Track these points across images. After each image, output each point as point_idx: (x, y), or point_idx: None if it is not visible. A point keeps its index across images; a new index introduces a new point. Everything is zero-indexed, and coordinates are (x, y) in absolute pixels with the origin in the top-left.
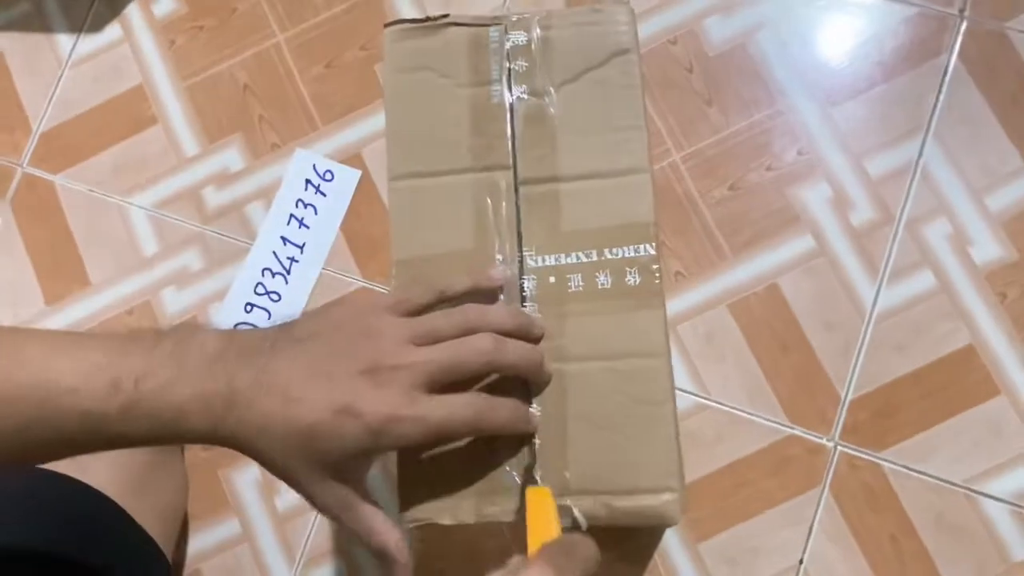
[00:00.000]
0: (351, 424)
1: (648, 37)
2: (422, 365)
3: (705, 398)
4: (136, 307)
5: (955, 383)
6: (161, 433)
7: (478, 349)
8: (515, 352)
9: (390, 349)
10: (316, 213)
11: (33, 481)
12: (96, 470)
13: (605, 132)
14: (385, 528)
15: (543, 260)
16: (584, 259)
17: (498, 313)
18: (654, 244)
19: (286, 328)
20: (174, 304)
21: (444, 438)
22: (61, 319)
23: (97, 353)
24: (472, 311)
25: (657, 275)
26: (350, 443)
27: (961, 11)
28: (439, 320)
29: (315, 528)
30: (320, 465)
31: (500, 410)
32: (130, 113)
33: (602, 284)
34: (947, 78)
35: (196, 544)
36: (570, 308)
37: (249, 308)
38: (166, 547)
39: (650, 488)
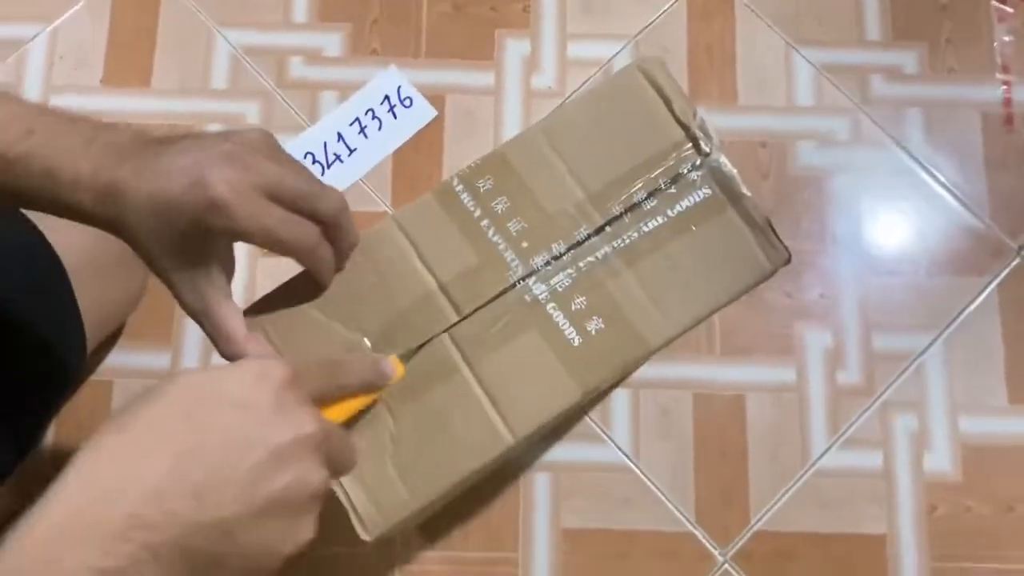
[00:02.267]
0: (199, 192)
1: (743, 129)
2: (276, 176)
3: (632, 462)
4: (180, 126)
5: (855, 562)
6: (53, 197)
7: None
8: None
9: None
10: (379, 128)
11: None
12: (64, 233)
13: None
14: (241, 335)
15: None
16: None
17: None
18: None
19: (192, 136)
20: None
21: (270, 245)
22: (107, 102)
23: (23, 108)
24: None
25: None
26: (191, 210)
27: (1020, 248)
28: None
29: None
30: (176, 243)
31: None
32: None
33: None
34: (979, 299)
35: (120, 358)
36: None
37: None
38: (91, 339)
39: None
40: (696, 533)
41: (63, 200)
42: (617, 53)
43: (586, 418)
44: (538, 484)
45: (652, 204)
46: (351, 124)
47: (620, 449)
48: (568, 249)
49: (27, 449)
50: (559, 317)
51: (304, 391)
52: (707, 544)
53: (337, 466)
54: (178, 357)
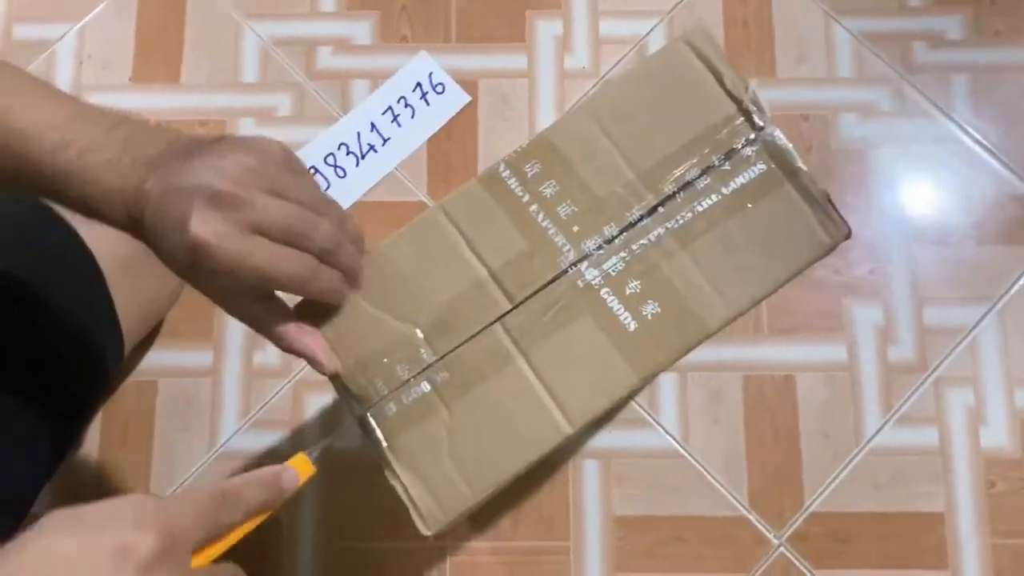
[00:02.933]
0: (183, 236)
1: (786, 103)
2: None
3: (683, 447)
4: (211, 122)
5: (913, 541)
6: (87, 206)
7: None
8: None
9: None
10: (413, 116)
11: (26, 214)
12: (99, 231)
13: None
14: (291, 332)
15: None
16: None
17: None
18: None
19: (212, 142)
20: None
21: (262, 283)
22: (137, 100)
23: (60, 111)
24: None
25: None
26: (181, 249)
27: None
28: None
29: (278, 397)
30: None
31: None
32: None
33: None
34: None
35: (162, 357)
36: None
37: (313, 171)
38: (129, 337)
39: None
40: (750, 517)
41: (94, 210)
42: (651, 30)
43: (633, 403)
44: (588, 471)
45: (705, 182)
46: (384, 113)
47: (669, 434)
48: (620, 232)
49: (65, 451)
50: (613, 302)
51: (177, 555)
52: (761, 528)
53: None
54: (221, 354)
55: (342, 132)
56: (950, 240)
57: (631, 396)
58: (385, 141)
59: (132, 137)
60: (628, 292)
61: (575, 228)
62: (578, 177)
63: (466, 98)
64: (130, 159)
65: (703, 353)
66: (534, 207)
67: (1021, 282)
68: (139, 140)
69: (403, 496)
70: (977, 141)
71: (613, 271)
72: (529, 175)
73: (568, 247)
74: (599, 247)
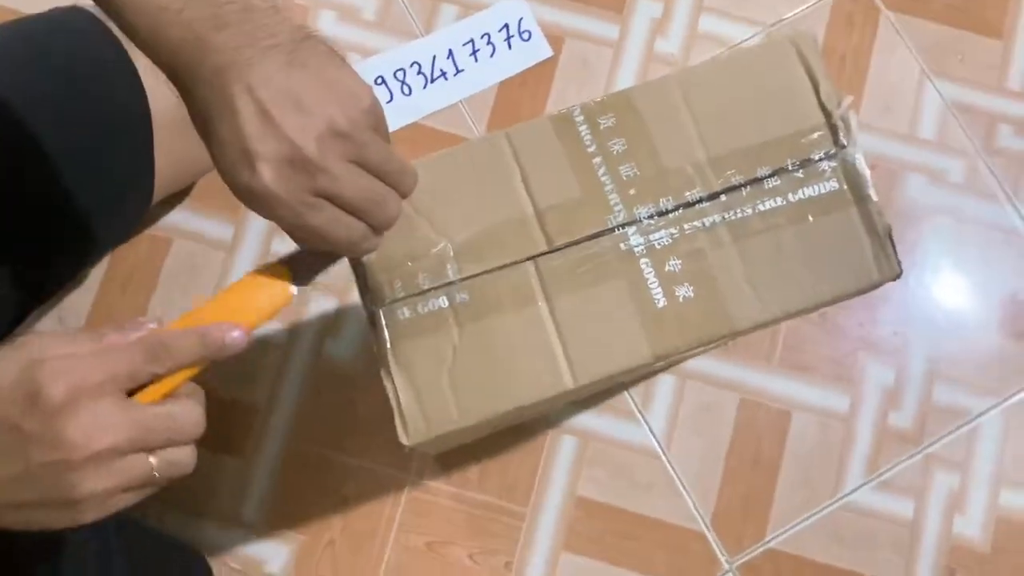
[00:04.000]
0: (245, 172)
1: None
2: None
3: (663, 450)
4: (294, 7)
5: None
6: (139, 37)
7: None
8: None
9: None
10: (492, 55)
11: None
12: (157, 79)
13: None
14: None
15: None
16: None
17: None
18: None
19: (304, 42)
20: (323, 28)
21: (309, 242)
22: None
23: None
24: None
25: None
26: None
27: None
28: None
29: None
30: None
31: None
32: None
33: None
34: None
35: (183, 217)
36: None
37: (379, 81)
38: (159, 188)
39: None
40: (708, 536)
41: (143, 39)
42: (749, 38)
43: (626, 394)
44: (564, 446)
45: (774, 183)
46: (464, 44)
47: (653, 433)
48: (676, 207)
49: (68, 276)
50: (650, 274)
51: (96, 395)
52: (716, 549)
53: (167, 454)
54: (241, 232)
55: (419, 51)
56: (981, 326)
57: (632, 381)
58: (458, 72)
59: (245, 11)
60: (667, 269)
61: (632, 191)
62: (649, 142)
63: (549, 52)
64: (233, 27)
65: (707, 364)
66: (597, 159)
67: None
68: (250, 14)
69: (392, 399)
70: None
71: (659, 244)
72: (602, 127)
73: (620, 207)
74: (651, 216)
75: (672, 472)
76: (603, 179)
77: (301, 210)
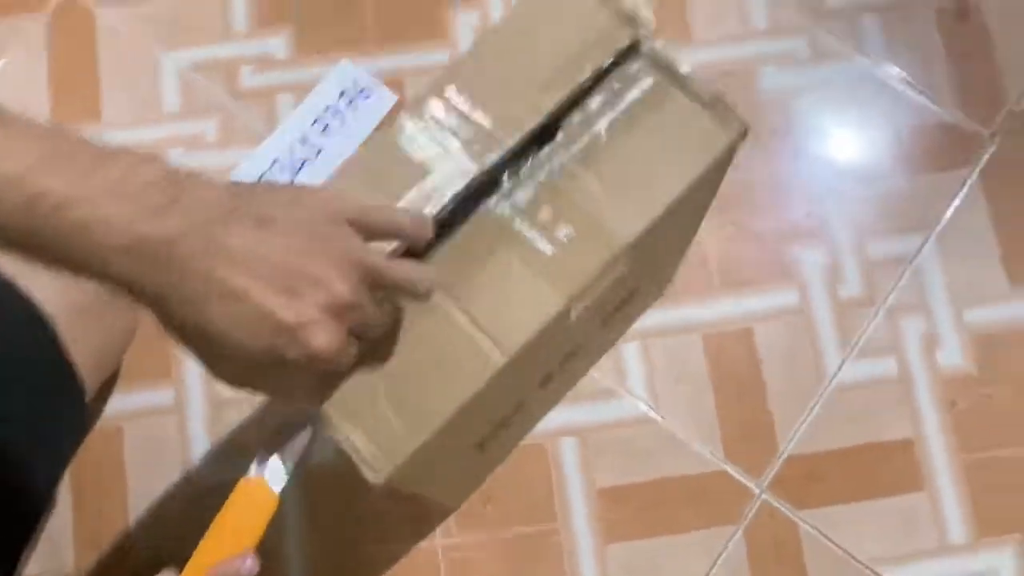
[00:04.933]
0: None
1: (704, 63)
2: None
3: (654, 411)
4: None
5: (886, 468)
6: (77, 269)
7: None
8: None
9: (339, 284)
10: (342, 124)
11: None
12: (39, 279)
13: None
14: None
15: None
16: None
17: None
18: None
19: (246, 197)
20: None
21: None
22: None
23: (21, 160)
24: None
25: None
26: (259, 351)
27: (993, 134)
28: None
29: (247, 422)
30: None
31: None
32: None
33: None
34: (963, 191)
35: (124, 402)
36: None
37: None
38: (90, 385)
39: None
40: (728, 470)
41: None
42: None
43: (599, 375)
44: (565, 449)
45: (598, 102)
46: (313, 124)
47: (640, 401)
48: (520, 149)
49: (40, 512)
50: (528, 231)
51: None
52: (741, 479)
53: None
54: (182, 391)
55: (273, 149)
56: (882, 174)
57: (592, 365)
58: (318, 152)
59: (123, 179)
60: (540, 219)
61: (476, 146)
62: (485, 94)
63: (393, 98)
64: (132, 210)
65: (658, 318)
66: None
67: (955, 205)
68: (132, 182)
69: (345, 446)
70: (894, 77)
71: (523, 203)
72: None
73: (474, 167)
74: (509, 179)
75: (672, 429)
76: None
77: (350, 349)
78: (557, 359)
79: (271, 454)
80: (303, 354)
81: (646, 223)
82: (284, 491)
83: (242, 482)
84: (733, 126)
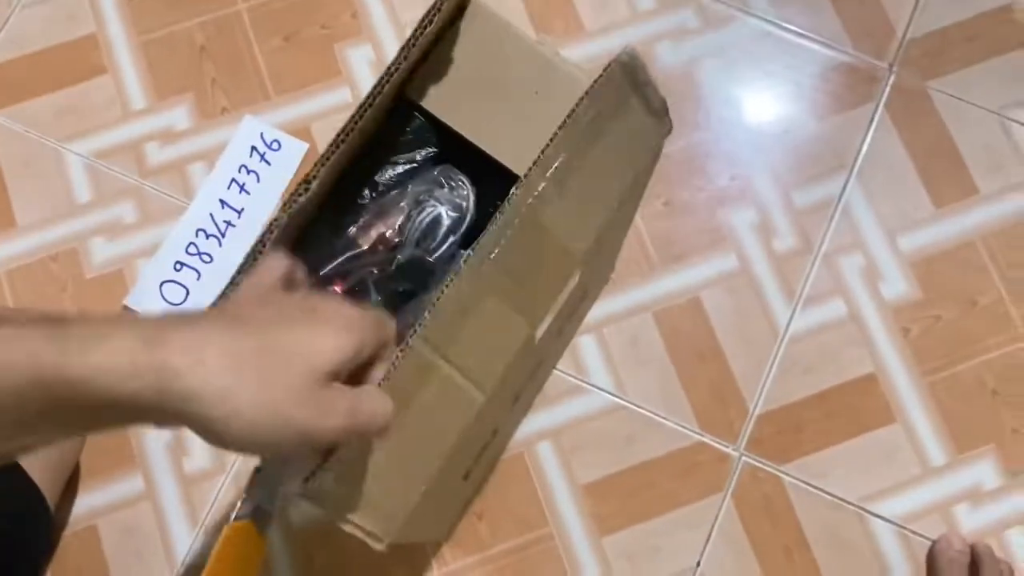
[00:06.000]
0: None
1: (600, 53)
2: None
3: (622, 399)
4: (61, 254)
5: (856, 408)
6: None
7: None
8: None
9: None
10: (258, 180)
11: None
12: None
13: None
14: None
15: None
16: None
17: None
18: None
19: (223, 304)
20: (101, 254)
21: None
22: None
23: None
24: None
25: None
26: (285, 445)
27: (891, 65)
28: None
29: (222, 492)
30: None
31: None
32: (80, 61)
33: None
34: (873, 125)
35: (92, 499)
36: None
37: (179, 267)
38: (50, 495)
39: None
40: (705, 439)
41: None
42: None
43: (561, 373)
44: (542, 453)
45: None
46: (229, 187)
47: (605, 391)
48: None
49: None
50: (496, 267)
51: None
52: (718, 446)
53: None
54: (148, 473)
55: (195, 219)
56: (793, 126)
57: (553, 367)
58: (240, 213)
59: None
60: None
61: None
62: None
63: (304, 146)
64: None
65: (606, 306)
66: None
67: (868, 140)
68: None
69: (351, 531)
70: (786, 29)
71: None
72: None
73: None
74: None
75: (642, 411)
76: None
77: (330, 418)
78: (524, 378)
79: (252, 495)
80: None
81: (597, 231)
82: (270, 531)
83: (227, 529)
84: (665, 124)
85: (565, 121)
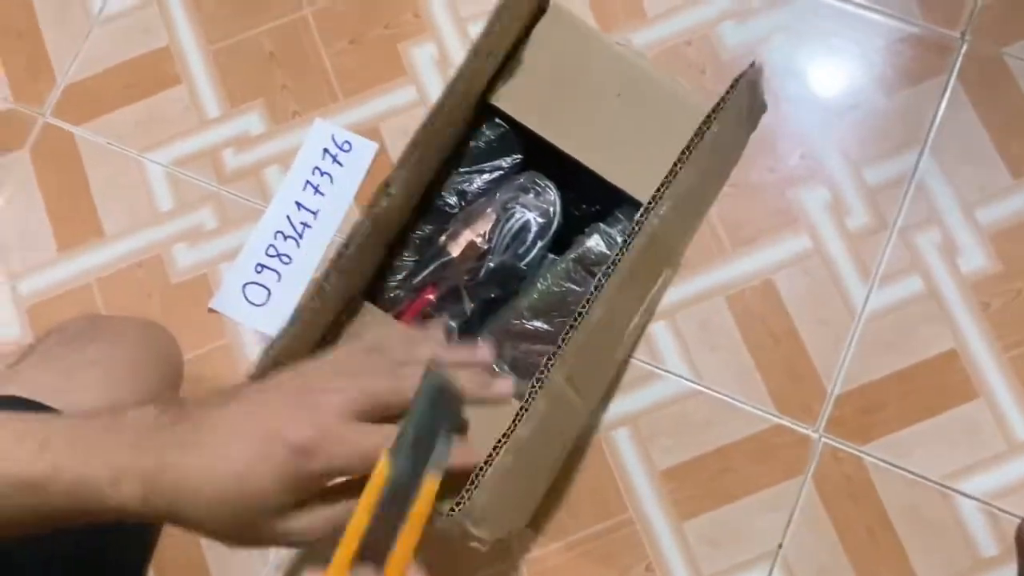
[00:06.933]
0: (277, 447)
1: (663, 38)
2: (353, 391)
3: (697, 384)
4: (146, 260)
5: (937, 385)
6: (80, 506)
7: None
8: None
9: (319, 383)
10: (332, 181)
11: None
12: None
13: None
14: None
15: None
16: None
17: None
18: None
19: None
20: (185, 260)
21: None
22: (73, 267)
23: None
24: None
25: None
26: (280, 472)
27: (963, 34)
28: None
29: None
30: (269, 514)
31: None
32: (155, 72)
33: None
34: (946, 97)
35: None
36: None
37: (259, 268)
38: None
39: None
40: (783, 422)
41: (102, 505)
42: None
43: (636, 362)
44: (620, 439)
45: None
46: (304, 189)
47: (681, 377)
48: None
49: None
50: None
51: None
52: (798, 429)
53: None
54: None
55: (272, 222)
56: (863, 101)
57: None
58: (315, 214)
59: (119, 413)
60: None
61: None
62: None
63: (374, 146)
64: (129, 431)
65: (680, 291)
66: None
67: (940, 113)
68: (127, 414)
69: (476, 545)
70: (850, 1)
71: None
72: None
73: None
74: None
75: (718, 396)
76: None
77: (345, 437)
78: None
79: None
80: None
81: (691, 233)
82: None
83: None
84: (755, 123)
85: (692, 141)
